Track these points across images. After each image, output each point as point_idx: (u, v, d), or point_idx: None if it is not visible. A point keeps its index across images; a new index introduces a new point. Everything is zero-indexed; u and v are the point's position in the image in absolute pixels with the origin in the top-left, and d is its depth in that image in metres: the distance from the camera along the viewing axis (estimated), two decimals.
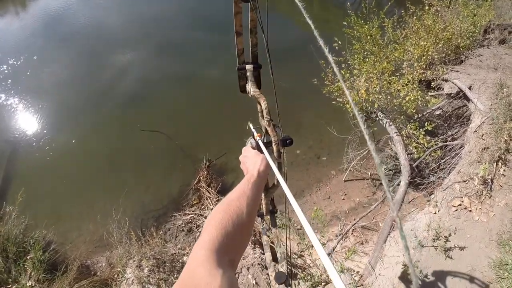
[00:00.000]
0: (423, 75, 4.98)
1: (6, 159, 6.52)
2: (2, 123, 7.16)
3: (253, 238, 4.28)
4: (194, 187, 5.62)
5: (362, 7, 5.19)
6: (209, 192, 5.36)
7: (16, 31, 10.72)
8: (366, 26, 5.03)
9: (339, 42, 4.79)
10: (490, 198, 3.52)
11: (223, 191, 5.50)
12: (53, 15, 11.44)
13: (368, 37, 4.98)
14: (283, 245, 1.84)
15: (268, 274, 3.21)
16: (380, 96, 4.42)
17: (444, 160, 4.39)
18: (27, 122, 7.19)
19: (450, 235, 3.27)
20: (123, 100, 7.58)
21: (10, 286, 3.90)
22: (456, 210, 3.53)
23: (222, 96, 7.31)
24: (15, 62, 8.88)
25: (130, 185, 5.81)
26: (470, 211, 3.47)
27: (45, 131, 6.94)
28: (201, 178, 5.59)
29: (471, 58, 5.90)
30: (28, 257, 4.54)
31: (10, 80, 8.22)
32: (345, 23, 5.04)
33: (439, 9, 6.11)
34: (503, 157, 3.80)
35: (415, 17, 5.70)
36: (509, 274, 2.78)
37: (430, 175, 4.33)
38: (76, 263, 4.23)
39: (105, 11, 11.38)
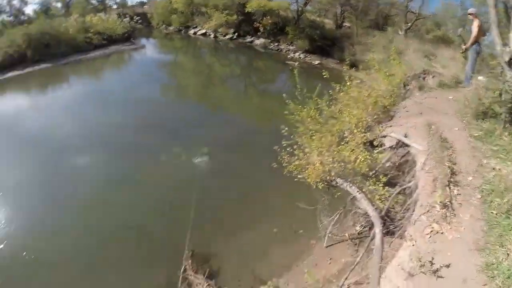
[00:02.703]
0: (365, 138, 5.78)
1: None
2: None
3: None
4: (182, 276, 5.53)
5: (296, 95, 6.15)
6: (198, 279, 5.44)
7: None
8: (305, 110, 5.94)
9: (286, 128, 5.65)
10: (455, 216, 3.89)
11: (212, 276, 5.51)
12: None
13: (309, 119, 5.87)
14: None
15: None
16: (335, 165, 5.07)
17: (409, 202, 4.88)
18: None
19: (433, 258, 3.43)
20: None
21: None
22: (430, 236, 3.82)
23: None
24: None
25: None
26: (442, 233, 3.77)
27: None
28: (187, 267, 5.62)
29: (399, 111, 6.96)
30: None
31: None
32: (286, 111, 5.93)
33: (364, 79, 7.33)
34: (452, 180, 4.35)
35: (342, 93, 6.80)
36: (498, 271, 3.02)
37: (400, 218, 4.73)
38: None
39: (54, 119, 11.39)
